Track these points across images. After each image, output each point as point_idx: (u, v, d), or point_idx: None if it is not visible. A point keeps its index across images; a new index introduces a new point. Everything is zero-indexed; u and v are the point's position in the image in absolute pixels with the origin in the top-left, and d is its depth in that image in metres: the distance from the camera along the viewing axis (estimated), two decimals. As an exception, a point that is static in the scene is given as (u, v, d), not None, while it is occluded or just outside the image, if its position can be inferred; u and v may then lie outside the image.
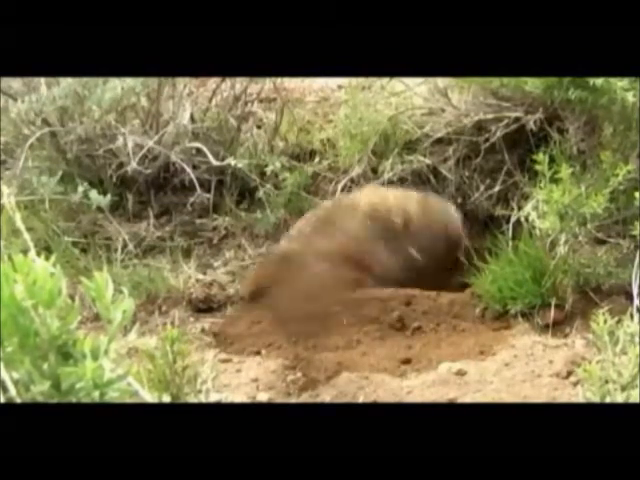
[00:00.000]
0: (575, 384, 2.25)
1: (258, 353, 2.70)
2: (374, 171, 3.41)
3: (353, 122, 3.44)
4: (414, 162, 3.33)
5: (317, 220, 3.14)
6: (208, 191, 3.45)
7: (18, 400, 1.22)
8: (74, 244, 3.25)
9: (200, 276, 3.23)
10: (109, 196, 3.15)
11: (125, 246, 3.29)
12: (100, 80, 3.24)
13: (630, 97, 2.59)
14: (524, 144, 3.14)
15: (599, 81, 2.58)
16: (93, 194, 3.13)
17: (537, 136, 3.06)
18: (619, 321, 1.83)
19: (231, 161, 3.33)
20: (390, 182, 3.37)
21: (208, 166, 3.44)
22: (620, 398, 1.68)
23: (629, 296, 2.48)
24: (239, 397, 2.36)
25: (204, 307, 3.04)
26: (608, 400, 1.69)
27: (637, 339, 1.79)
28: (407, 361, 2.60)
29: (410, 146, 3.39)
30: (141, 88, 3.33)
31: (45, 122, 3.40)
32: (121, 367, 1.27)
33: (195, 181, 3.33)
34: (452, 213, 3.22)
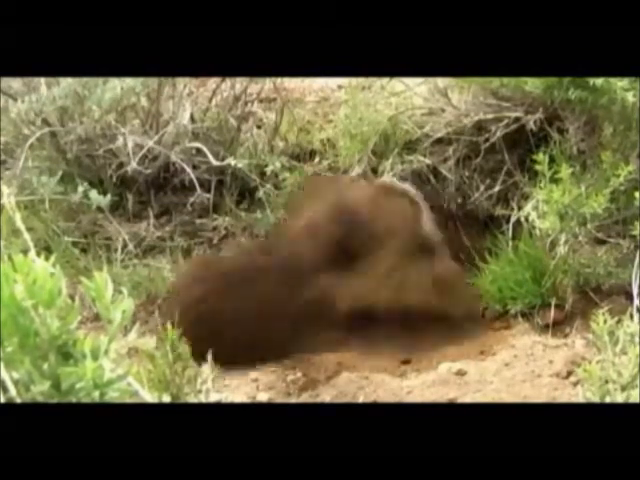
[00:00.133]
0: (575, 384, 2.25)
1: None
2: (374, 171, 3.41)
3: (353, 122, 3.43)
4: (414, 162, 3.33)
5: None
6: (208, 191, 3.45)
7: (18, 400, 1.22)
8: (74, 244, 3.26)
9: (200, 276, 3.23)
10: (109, 196, 3.15)
11: (125, 246, 3.29)
12: (100, 80, 3.23)
13: (630, 97, 2.58)
14: (524, 144, 3.14)
15: (599, 81, 2.58)
16: (93, 194, 3.13)
17: (537, 136, 3.05)
18: (619, 321, 1.83)
19: (231, 161, 3.33)
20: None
21: (208, 166, 3.44)
22: (620, 398, 1.68)
23: (629, 296, 2.48)
24: (239, 397, 2.37)
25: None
26: (608, 400, 1.69)
27: (637, 339, 1.78)
28: (407, 361, 2.60)
29: (410, 146, 3.39)
30: (141, 88, 3.32)
31: (45, 122, 3.40)
32: (121, 367, 1.27)
33: (195, 181, 3.33)
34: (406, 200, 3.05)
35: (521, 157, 3.16)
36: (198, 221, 3.53)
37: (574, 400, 2.15)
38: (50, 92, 3.23)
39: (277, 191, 3.48)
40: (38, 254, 1.28)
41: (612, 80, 2.58)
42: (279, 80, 3.81)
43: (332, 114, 3.88)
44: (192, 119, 3.55)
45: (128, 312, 1.31)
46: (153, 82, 3.41)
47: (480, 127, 3.23)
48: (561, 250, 2.63)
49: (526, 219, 2.76)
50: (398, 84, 3.56)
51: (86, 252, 3.24)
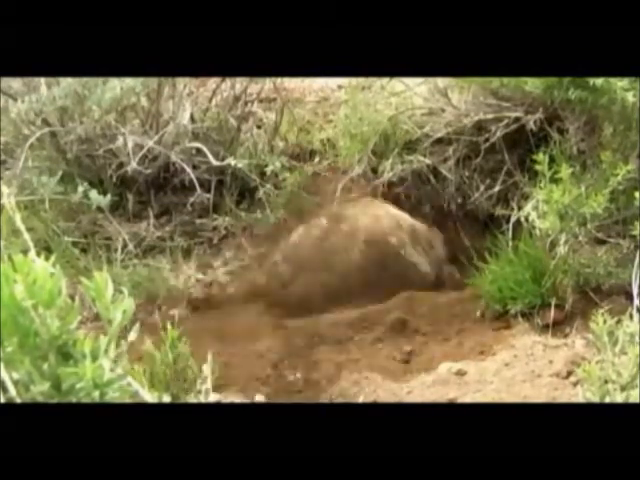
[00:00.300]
0: (575, 384, 2.25)
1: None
2: (374, 171, 3.42)
3: (353, 122, 3.44)
4: (414, 162, 3.34)
5: (313, 245, 3.11)
6: (208, 191, 3.45)
7: (18, 400, 1.22)
8: (74, 244, 3.26)
9: (200, 276, 3.24)
10: (109, 196, 3.15)
11: (125, 246, 3.29)
12: (100, 80, 3.23)
13: (630, 97, 2.58)
14: (524, 144, 3.14)
15: (599, 81, 2.58)
16: (93, 194, 3.13)
17: (537, 136, 3.06)
18: (619, 321, 1.83)
19: (231, 161, 3.33)
20: (390, 182, 3.38)
21: (208, 166, 3.44)
22: (620, 398, 1.68)
23: (629, 296, 2.48)
24: (238, 397, 2.36)
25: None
26: (608, 400, 1.69)
27: (637, 339, 1.79)
28: (407, 361, 2.60)
29: (410, 146, 3.39)
30: (141, 88, 3.32)
31: (45, 122, 3.40)
32: (121, 367, 1.27)
33: (195, 181, 3.33)
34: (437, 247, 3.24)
35: (521, 157, 3.17)
36: (198, 221, 3.53)
37: (574, 400, 2.15)
38: (50, 92, 3.23)
39: (277, 191, 3.48)
40: (38, 254, 1.28)
41: (612, 80, 2.58)
42: (279, 80, 3.81)
43: (332, 114, 3.88)
44: (192, 119, 3.55)
45: (128, 312, 1.31)
46: (153, 82, 3.41)
47: (480, 127, 3.24)
48: (561, 250, 2.63)
49: (526, 219, 2.76)
50: (398, 84, 3.56)
51: (86, 252, 3.24)
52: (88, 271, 2.79)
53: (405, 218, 3.23)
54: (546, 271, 2.66)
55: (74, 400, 1.23)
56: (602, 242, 2.81)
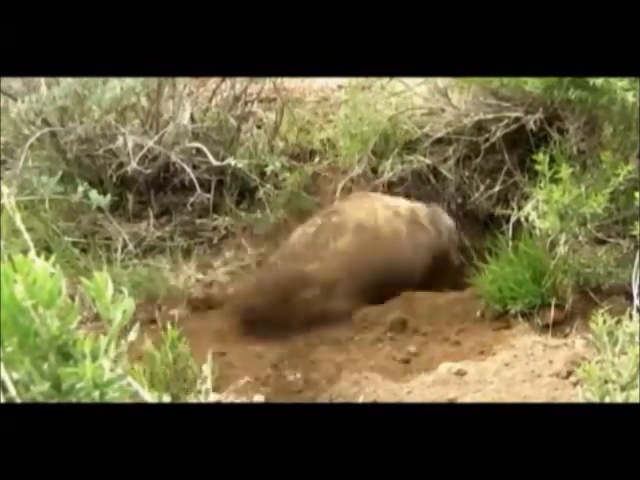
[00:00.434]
0: (575, 384, 2.25)
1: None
2: (374, 171, 3.42)
3: (353, 122, 3.44)
4: (414, 162, 3.34)
5: (306, 243, 3.08)
6: (208, 191, 3.45)
7: (18, 400, 1.22)
8: (74, 244, 3.26)
9: (200, 276, 3.24)
10: (109, 196, 3.15)
11: (125, 246, 3.29)
12: (100, 80, 3.24)
13: (630, 97, 2.58)
14: (524, 144, 3.14)
15: (599, 81, 2.58)
16: (93, 194, 3.13)
17: (537, 136, 3.06)
18: (618, 321, 1.83)
19: (231, 161, 3.33)
20: (390, 182, 3.38)
21: (208, 166, 3.45)
22: (620, 398, 1.68)
23: (629, 296, 2.48)
24: (239, 397, 2.36)
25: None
26: (608, 400, 1.69)
27: (637, 339, 1.78)
28: (407, 361, 2.60)
29: (410, 146, 3.39)
30: (141, 88, 3.33)
31: (45, 122, 3.40)
32: (121, 367, 1.27)
33: (195, 181, 3.33)
34: (444, 221, 3.21)
35: (521, 157, 3.17)
36: (198, 221, 3.53)
37: (574, 400, 2.14)
38: (50, 92, 3.23)
39: (277, 191, 3.49)
40: (38, 254, 1.28)
41: (612, 80, 2.58)
42: (279, 80, 3.81)
43: (332, 114, 3.89)
44: (192, 119, 3.55)
45: (128, 312, 1.31)
46: (153, 82, 3.41)
47: (480, 127, 3.24)
48: (561, 250, 2.63)
49: (526, 219, 2.76)
50: (398, 84, 3.56)
51: (86, 252, 3.24)
52: (88, 271, 2.79)
53: (403, 204, 3.19)
54: (546, 271, 2.66)
55: (74, 400, 1.23)
56: (602, 242, 2.81)
